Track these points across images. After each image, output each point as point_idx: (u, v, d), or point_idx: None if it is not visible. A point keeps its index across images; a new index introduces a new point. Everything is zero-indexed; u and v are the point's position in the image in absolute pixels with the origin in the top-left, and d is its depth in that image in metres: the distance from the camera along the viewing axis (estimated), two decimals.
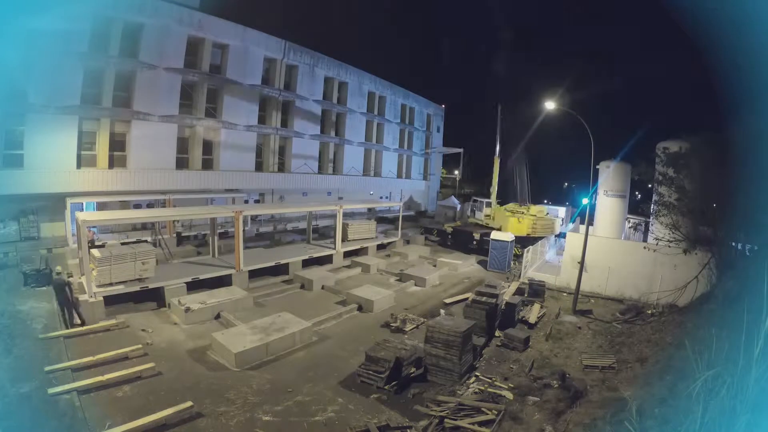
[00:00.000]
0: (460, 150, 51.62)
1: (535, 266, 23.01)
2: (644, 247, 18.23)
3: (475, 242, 28.60)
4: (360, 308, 15.96)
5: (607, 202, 22.24)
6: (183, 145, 27.56)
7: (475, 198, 35.13)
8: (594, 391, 10.18)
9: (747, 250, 13.79)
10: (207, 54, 27.41)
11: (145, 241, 20.10)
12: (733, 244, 14.71)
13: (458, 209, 39.97)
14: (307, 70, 34.47)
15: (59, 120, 21.03)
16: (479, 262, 25.20)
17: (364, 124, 41.63)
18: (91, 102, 22.44)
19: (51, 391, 8.55)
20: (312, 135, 35.59)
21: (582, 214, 23.54)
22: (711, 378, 4.16)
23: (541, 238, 26.85)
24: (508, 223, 28.17)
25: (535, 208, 30.34)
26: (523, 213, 29.29)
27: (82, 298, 13.05)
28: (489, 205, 32.05)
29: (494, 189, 32.75)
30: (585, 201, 19.20)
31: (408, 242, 29.63)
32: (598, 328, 15.33)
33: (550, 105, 19.28)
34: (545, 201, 51.47)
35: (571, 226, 29.33)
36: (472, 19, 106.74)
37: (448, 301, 17.69)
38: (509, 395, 10.06)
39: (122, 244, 17.57)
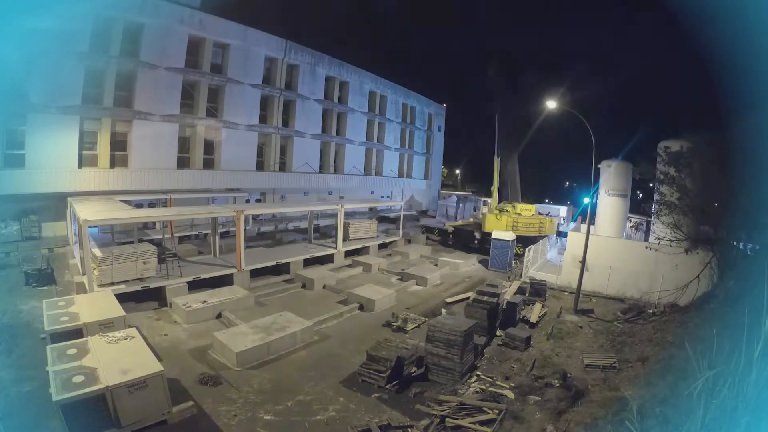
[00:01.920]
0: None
1: (536, 266, 23.01)
2: (645, 247, 18.22)
3: (476, 241, 28.59)
4: (361, 307, 15.98)
5: (608, 201, 22.22)
6: (184, 145, 27.56)
7: (485, 199, 34.83)
8: (595, 390, 10.18)
9: (748, 250, 13.79)
10: (208, 53, 27.39)
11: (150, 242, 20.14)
12: (735, 243, 14.70)
13: (459, 209, 40.04)
14: (308, 69, 34.45)
15: (60, 120, 21.05)
16: (480, 262, 25.20)
17: (365, 124, 41.61)
18: (92, 102, 22.44)
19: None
20: (313, 134, 35.60)
21: (583, 213, 23.52)
22: (712, 378, 4.15)
23: (535, 237, 26.66)
24: (487, 221, 28.17)
25: (521, 206, 29.98)
26: (508, 211, 28.97)
27: None
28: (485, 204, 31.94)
29: (495, 189, 32.78)
30: (586, 200, 19.18)
31: (409, 241, 29.64)
32: (600, 328, 15.32)
33: (551, 104, 19.27)
34: (546, 200, 51.51)
35: (572, 225, 29.30)
36: (472, 19, 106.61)
37: (449, 300, 17.70)
38: (510, 394, 10.07)
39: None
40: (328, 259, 21.56)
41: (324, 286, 18.15)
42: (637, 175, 23.72)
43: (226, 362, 10.99)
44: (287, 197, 33.25)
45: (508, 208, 29.62)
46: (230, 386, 9.90)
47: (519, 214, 28.70)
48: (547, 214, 42.57)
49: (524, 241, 25.61)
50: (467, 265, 24.20)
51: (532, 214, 28.72)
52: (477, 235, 28.49)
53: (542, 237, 26.44)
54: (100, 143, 23.32)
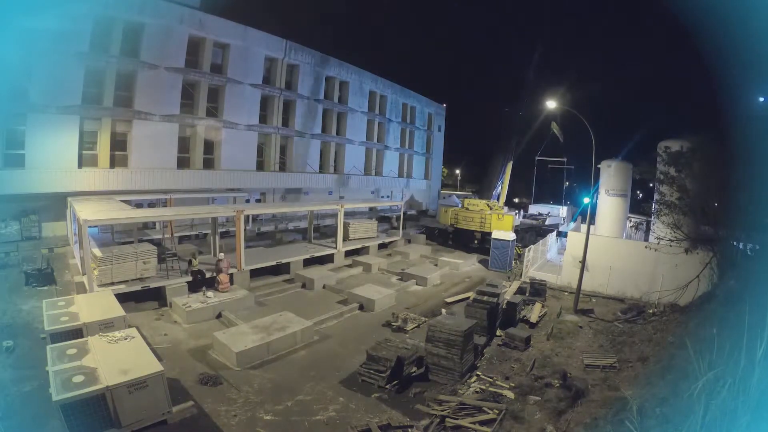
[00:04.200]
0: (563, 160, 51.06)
1: (536, 265, 23.00)
2: (645, 247, 18.21)
3: (476, 241, 28.62)
4: (361, 307, 15.98)
5: (608, 201, 22.23)
6: (184, 145, 27.54)
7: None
8: (595, 390, 10.18)
9: (749, 250, 13.78)
10: (208, 53, 27.38)
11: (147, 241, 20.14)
12: (735, 243, 14.70)
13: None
14: (308, 69, 34.43)
15: (60, 120, 21.03)
16: (480, 262, 25.20)
17: (366, 124, 41.61)
18: (92, 102, 22.42)
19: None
20: (313, 134, 35.60)
21: (583, 213, 23.52)
22: (712, 378, 4.15)
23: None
24: (439, 214, 32.14)
25: (468, 201, 31.83)
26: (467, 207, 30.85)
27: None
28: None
29: (504, 191, 34.07)
30: (586, 200, 19.18)
31: (409, 241, 29.64)
32: (600, 328, 15.32)
33: (551, 104, 19.29)
34: (550, 201, 51.55)
35: (572, 225, 29.31)
36: (473, 19, 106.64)
37: (449, 300, 17.69)
38: (510, 394, 10.07)
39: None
40: (328, 259, 21.56)
41: (324, 286, 18.14)
42: (637, 174, 23.73)
43: (226, 362, 10.99)
44: (287, 197, 33.27)
45: (463, 202, 32.17)
46: (230, 386, 9.90)
47: (466, 208, 30.02)
48: (547, 214, 42.66)
49: (467, 234, 28.74)
50: (467, 265, 24.19)
51: (479, 209, 29.33)
52: (477, 235, 28.59)
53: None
54: (100, 143, 23.31)
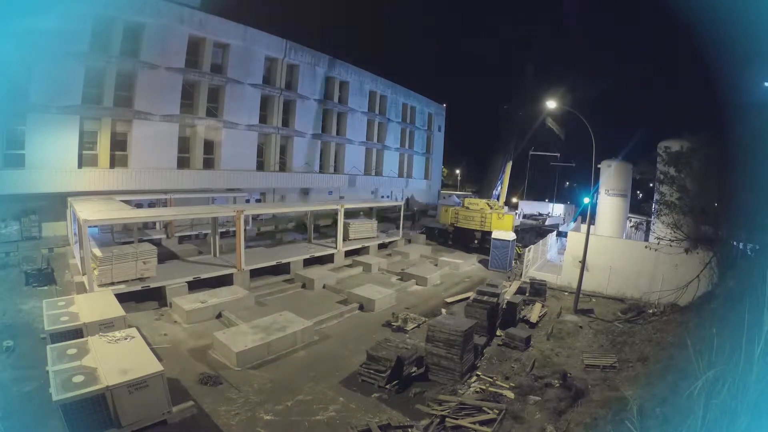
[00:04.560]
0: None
1: (536, 265, 23.00)
2: (645, 247, 18.22)
3: (476, 241, 28.63)
4: (361, 307, 15.97)
5: (608, 201, 22.23)
6: (184, 145, 27.56)
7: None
8: (595, 390, 10.19)
9: (749, 250, 13.78)
10: (208, 53, 27.40)
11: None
12: (735, 243, 14.71)
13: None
14: (308, 69, 34.45)
15: (60, 120, 21.05)
16: (480, 261, 25.19)
17: (365, 124, 41.63)
18: (92, 102, 22.44)
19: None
20: (313, 134, 35.61)
21: (583, 213, 23.52)
22: (712, 378, 4.16)
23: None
24: (440, 214, 31.99)
25: (468, 200, 31.85)
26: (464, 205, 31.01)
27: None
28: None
29: (504, 191, 34.03)
30: (586, 200, 19.19)
31: (409, 241, 29.63)
32: (600, 328, 15.32)
33: (551, 104, 19.29)
34: (545, 200, 51.52)
35: (572, 225, 29.32)
36: (473, 18, 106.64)
37: (449, 300, 17.69)
38: (510, 394, 10.07)
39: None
40: (328, 259, 21.56)
41: (324, 286, 18.14)
42: (637, 174, 23.74)
43: (226, 362, 10.99)
44: (287, 197, 33.27)
45: (464, 201, 32.11)
46: (230, 386, 9.90)
47: (467, 207, 29.91)
48: (547, 215, 42.68)
49: (467, 234, 28.61)
50: (467, 265, 24.18)
51: (480, 208, 29.18)
52: (477, 234, 28.60)
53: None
54: (100, 143, 23.32)
